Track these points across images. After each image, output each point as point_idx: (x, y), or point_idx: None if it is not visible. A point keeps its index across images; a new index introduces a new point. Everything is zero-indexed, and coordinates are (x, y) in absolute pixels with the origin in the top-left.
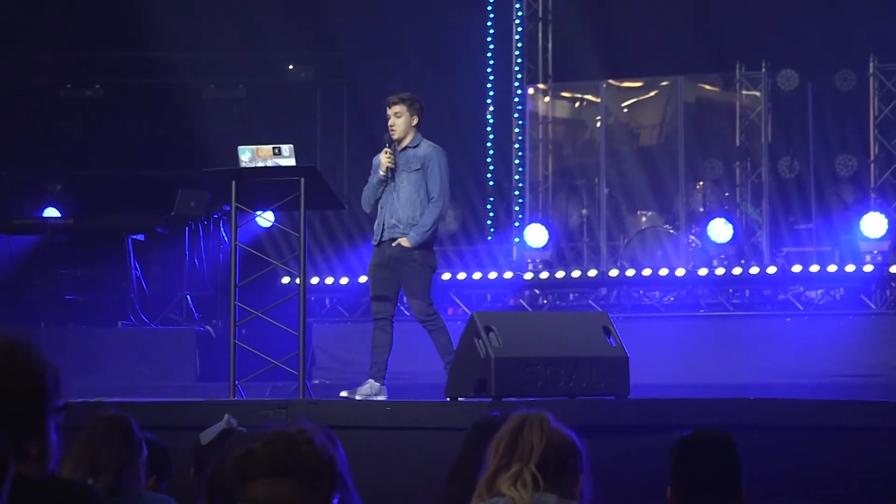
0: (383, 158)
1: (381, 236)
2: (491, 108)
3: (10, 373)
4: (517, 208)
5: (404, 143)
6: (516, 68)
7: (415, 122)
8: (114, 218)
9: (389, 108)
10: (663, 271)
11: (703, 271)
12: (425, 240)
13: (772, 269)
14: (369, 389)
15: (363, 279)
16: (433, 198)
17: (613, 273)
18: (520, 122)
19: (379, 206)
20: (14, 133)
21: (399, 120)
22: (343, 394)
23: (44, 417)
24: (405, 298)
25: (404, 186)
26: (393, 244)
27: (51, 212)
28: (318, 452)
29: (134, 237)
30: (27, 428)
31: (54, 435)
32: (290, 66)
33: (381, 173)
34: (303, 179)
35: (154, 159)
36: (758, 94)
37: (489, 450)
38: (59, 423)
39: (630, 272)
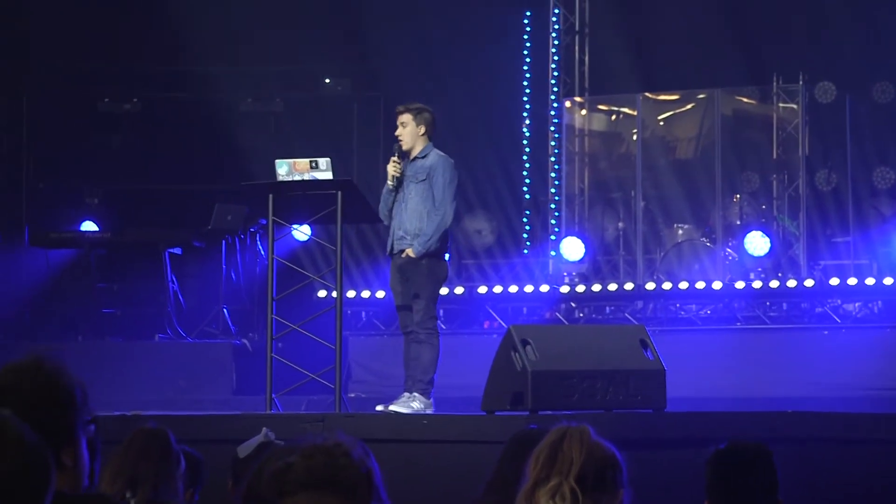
0: (390, 168)
1: (392, 248)
2: (527, 121)
3: (40, 386)
4: (553, 221)
5: (413, 154)
6: (552, 81)
7: (422, 131)
8: (151, 231)
9: (398, 117)
10: (700, 284)
11: (740, 284)
12: (430, 249)
13: (809, 282)
14: (419, 405)
15: None
16: (435, 206)
17: (650, 286)
18: (556, 135)
19: (392, 217)
20: (52, 146)
21: (405, 130)
22: (379, 408)
23: (75, 429)
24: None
25: (412, 197)
26: (402, 255)
27: (88, 225)
28: (356, 465)
29: (171, 251)
30: (60, 438)
31: (85, 450)
32: (327, 80)
33: (389, 183)
34: (340, 193)
35: (191, 173)
36: (795, 106)
37: (528, 463)
38: (90, 437)
39: (667, 285)
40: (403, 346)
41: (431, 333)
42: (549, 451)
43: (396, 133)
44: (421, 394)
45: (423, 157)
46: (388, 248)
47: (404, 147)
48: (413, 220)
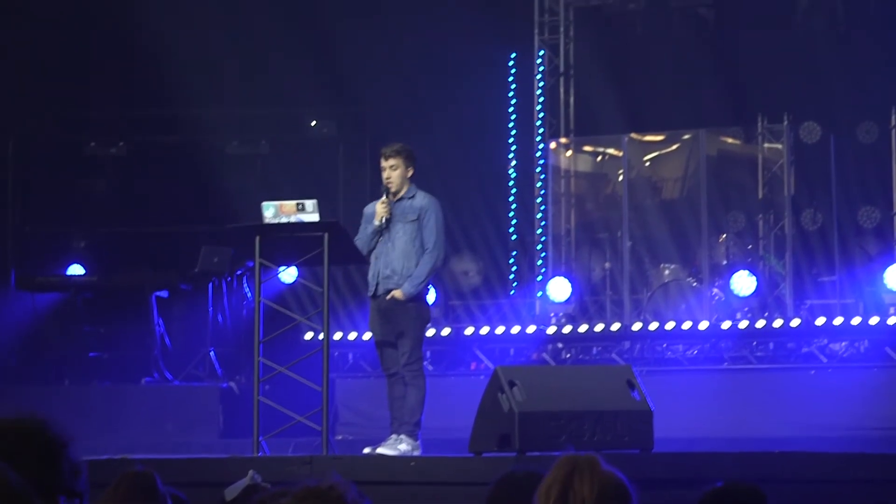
0: (380, 208)
1: (376, 288)
2: (513, 163)
3: (17, 439)
4: (540, 262)
5: (400, 194)
6: (538, 123)
7: (410, 173)
8: (137, 275)
9: (385, 160)
10: (687, 324)
11: (726, 324)
12: (419, 291)
13: (795, 322)
14: (406, 446)
15: None
16: (428, 248)
17: (637, 326)
18: (542, 177)
19: (373, 257)
20: (38, 190)
21: (395, 172)
22: (366, 450)
23: (52, 490)
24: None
25: (399, 237)
26: (387, 297)
27: (75, 269)
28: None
29: (158, 294)
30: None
31: None
32: (313, 123)
33: (377, 223)
34: (326, 235)
35: (177, 216)
36: (780, 146)
37: (535, 498)
38: None
39: (653, 325)
40: (387, 388)
41: (417, 375)
42: (561, 488)
43: (385, 175)
44: (408, 436)
45: (412, 198)
46: (372, 290)
47: (392, 189)
48: (401, 259)
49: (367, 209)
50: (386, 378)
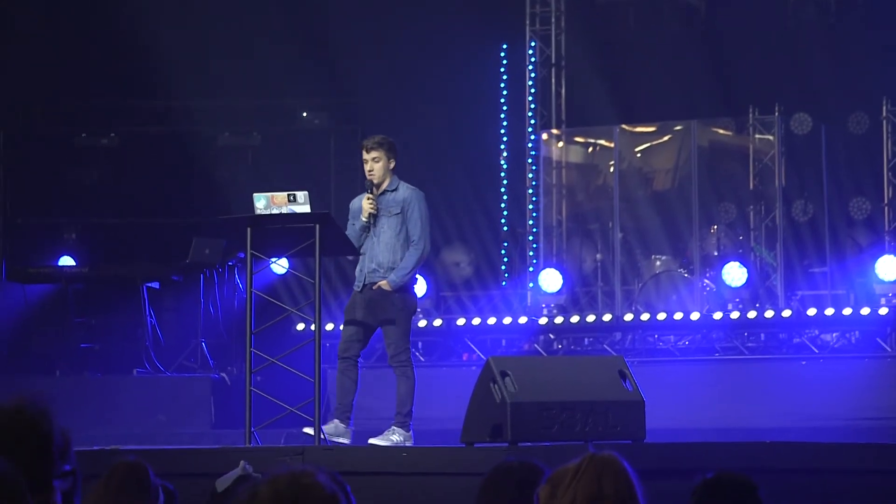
0: (366, 204)
1: (364, 281)
2: (505, 154)
3: (16, 432)
4: (531, 253)
5: (383, 187)
6: (530, 114)
7: (392, 165)
8: (129, 266)
9: (367, 152)
10: (678, 315)
11: (717, 315)
12: (405, 282)
13: (787, 313)
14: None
15: None
16: (414, 241)
17: (628, 317)
18: (533, 168)
19: (362, 252)
20: (29, 182)
21: (378, 165)
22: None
23: (48, 478)
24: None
25: (384, 231)
26: (374, 287)
27: (66, 260)
28: (321, 487)
29: (149, 285)
30: (33, 484)
31: (59, 498)
32: (304, 113)
33: (364, 219)
34: (318, 226)
35: (169, 207)
36: (771, 137)
37: (538, 492)
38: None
39: (645, 316)
40: (338, 373)
41: (406, 366)
42: (586, 487)
43: (368, 168)
44: (400, 426)
45: (394, 191)
46: (360, 284)
47: (375, 181)
48: (387, 253)
49: (353, 204)
50: (338, 360)
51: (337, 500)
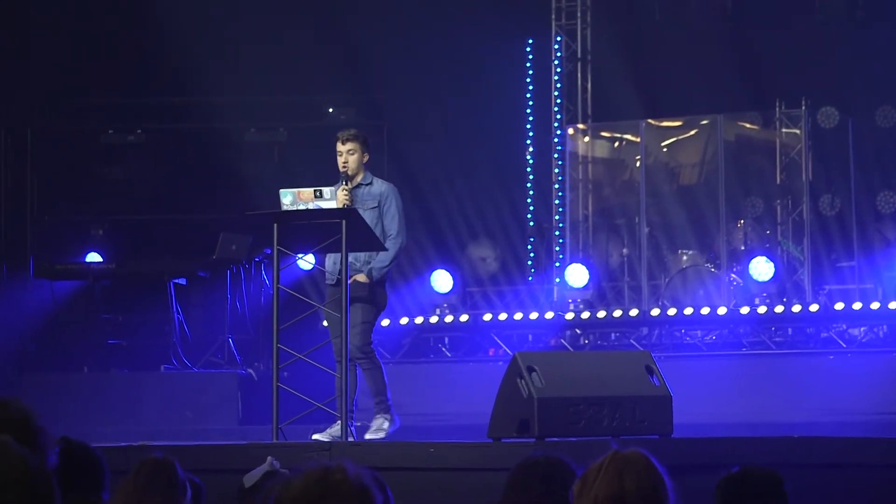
0: (341, 196)
1: (338, 275)
2: (531, 149)
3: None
4: (558, 248)
5: (356, 180)
6: (556, 108)
7: (366, 159)
8: (156, 262)
9: (342, 144)
10: (705, 310)
11: (744, 310)
12: (380, 277)
13: (814, 307)
14: (385, 423)
15: (405, 320)
16: (391, 235)
17: (655, 312)
18: (559, 163)
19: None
20: (57, 178)
21: (353, 157)
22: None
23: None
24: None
25: None
26: (349, 281)
27: (93, 257)
28: (351, 483)
29: (176, 281)
30: None
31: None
32: (330, 109)
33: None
34: (344, 221)
35: (195, 203)
36: (798, 131)
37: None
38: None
39: (671, 311)
40: (337, 374)
41: (372, 356)
42: (608, 484)
43: (342, 160)
44: (383, 413)
45: (369, 184)
46: (334, 278)
47: (350, 173)
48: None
49: None
50: (337, 365)
51: (367, 496)
